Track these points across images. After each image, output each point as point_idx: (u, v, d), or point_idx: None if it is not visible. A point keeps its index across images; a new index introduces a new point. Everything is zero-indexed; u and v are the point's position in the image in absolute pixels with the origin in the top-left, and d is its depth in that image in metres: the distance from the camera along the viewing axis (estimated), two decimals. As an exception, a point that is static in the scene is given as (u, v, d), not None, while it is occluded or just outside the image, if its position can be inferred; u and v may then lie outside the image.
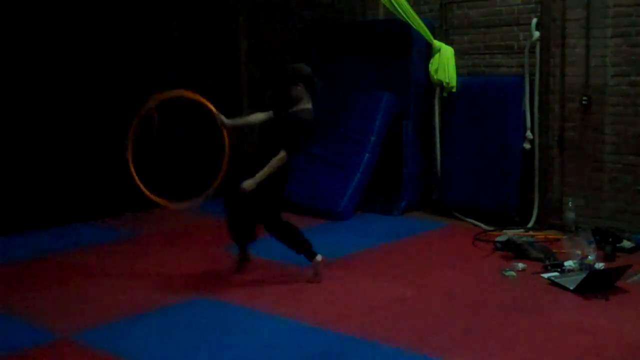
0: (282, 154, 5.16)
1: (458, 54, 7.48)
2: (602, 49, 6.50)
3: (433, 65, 7.42)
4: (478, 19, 7.43)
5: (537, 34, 6.85)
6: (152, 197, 5.38)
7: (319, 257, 5.42)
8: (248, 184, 5.13)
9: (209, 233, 7.12)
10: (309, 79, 5.32)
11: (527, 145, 7.01)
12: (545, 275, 5.39)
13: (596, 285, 5.00)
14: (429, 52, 7.49)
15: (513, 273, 5.50)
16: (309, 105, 5.36)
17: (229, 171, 5.36)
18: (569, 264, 5.53)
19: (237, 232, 5.59)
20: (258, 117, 5.57)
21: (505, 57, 7.28)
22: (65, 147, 7.76)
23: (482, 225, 7.03)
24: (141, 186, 5.39)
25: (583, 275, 5.10)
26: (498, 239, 6.30)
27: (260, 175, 5.14)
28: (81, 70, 7.86)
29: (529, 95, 6.99)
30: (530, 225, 6.93)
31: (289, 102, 5.37)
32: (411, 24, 7.13)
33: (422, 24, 7.25)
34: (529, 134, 6.99)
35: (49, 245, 6.66)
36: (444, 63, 7.36)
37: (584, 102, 6.63)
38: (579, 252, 5.57)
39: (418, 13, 7.30)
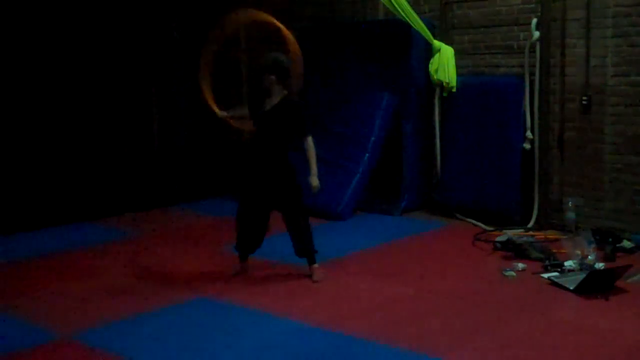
0: (310, 140, 5.31)
1: (458, 54, 7.48)
2: (602, 49, 6.50)
3: (433, 65, 7.42)
4: (478, 19, 7.42)
5: (537, 34, 6.85)
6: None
7: (316, 265, 5.48)
8: (315, 180, 5.29)
9: (209, 233, 7.13)
10: (283, 70, 5.34)
11: (527, 145, 7.01)
12: (545, 275, 5.39)
13: (596, 285, 5.00)
14: (429, 52, 7.49)
15: (513, 273, 5.50)
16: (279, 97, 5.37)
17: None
18: (569, 264, 5.53)
19: (248, 238, 5.53)
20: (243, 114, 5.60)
21: (505, 57, 7.27)
22: (66, 147, 7.77)
23: (482, 225, 7.03)
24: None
25: (583, 275, 5.10)
26: (498, 239, 6.30)
27: (314, 168, 5.29)
28: (82, 70, 7.87)
29: (529, 95, 6.99)
30: (530, 225, 6.92)
31: (261, 93, 5.41)
32: (411, 24, 7.13)
33: (422, 24, 7.24)
34: (529, 134, 6.99)
35: (49, 245, 6.67)
36: (444, 63, 7.36)
37: (584, 102, 6.63)
38: (579, 252, 5.57)
39: (418, 13, 7.29)
